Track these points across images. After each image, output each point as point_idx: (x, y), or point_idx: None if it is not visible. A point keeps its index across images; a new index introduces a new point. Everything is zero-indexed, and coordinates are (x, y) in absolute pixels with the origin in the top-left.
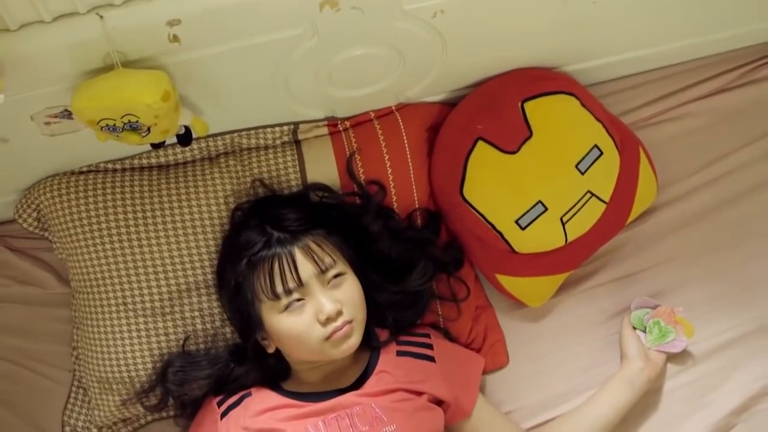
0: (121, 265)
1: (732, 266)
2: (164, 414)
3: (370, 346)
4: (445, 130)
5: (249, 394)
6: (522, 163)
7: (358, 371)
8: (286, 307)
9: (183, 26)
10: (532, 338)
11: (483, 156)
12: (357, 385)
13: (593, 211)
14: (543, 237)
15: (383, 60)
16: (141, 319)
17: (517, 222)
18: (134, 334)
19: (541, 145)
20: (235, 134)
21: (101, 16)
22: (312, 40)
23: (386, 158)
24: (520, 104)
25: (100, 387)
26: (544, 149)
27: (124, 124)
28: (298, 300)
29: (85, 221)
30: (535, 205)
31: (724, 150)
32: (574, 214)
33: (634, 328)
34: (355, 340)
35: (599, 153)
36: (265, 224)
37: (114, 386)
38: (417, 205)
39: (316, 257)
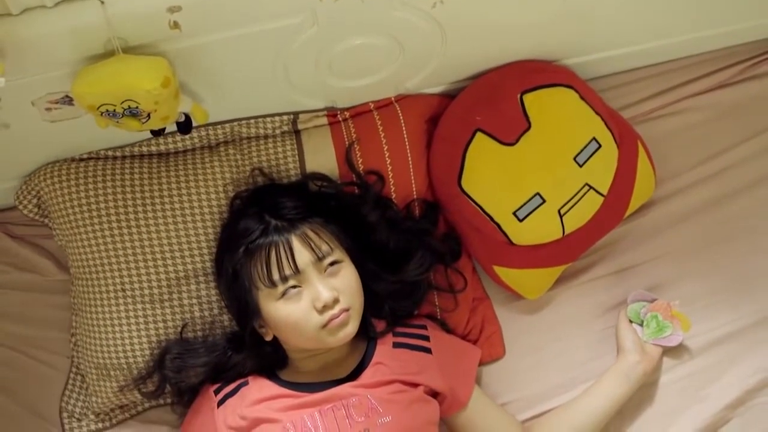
0: (120, 252)
1: (730, 261)
2: (161, 401)
3: (366, 336)
4: (444, 121)
5: (246, 383)
6: (520, 155)
7: (355, 362)
8: (283, 295)
9: (183, 13)
10: (529, 330)
11: (481, 147)
12: (353, 376)
13: (591, 204)
14: (540, 229)
15: (383, 50)
16: (139, 306)
17: (514, 214)
18: (132, 320)
19: (540, 137)
20: (235, 123)
21: (102, 2)
22: (312, 28)
23: (385, 149)
24: (519, 96)
25: (97, 373)
26: (542, 141)
27: (124, 109)
28: (295, 287)
29: (84, 208)
30: (532, 197)
31: (724, 145)
32: (572, 207)
33: (631, 322)
34: (351, 328)
35: (597, 146)
36: (263, 212)
37: (112, 372)
38: (415, 196)
39: (313, 245)
